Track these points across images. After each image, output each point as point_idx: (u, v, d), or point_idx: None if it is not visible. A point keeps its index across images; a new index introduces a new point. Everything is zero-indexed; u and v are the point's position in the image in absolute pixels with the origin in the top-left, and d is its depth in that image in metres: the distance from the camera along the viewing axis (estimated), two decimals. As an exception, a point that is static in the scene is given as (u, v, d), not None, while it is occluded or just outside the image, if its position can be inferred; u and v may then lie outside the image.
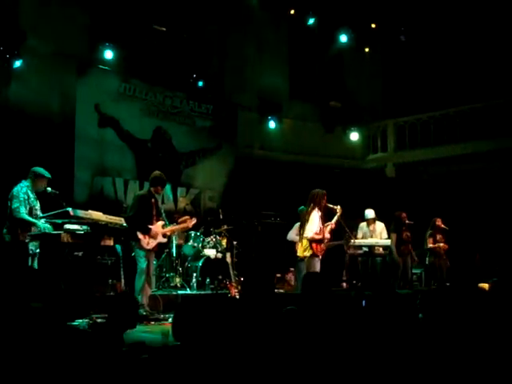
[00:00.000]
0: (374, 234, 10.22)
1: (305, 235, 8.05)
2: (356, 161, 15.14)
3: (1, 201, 7.36)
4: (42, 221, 6.99)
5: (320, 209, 8.09)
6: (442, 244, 10.38)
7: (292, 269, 10.27)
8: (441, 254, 10.46)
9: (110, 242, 7.26)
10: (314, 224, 8.05)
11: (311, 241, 8.02)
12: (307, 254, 8.04)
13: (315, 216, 8.06)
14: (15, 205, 6.87)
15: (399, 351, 2.94)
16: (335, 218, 8.29)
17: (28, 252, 6.79)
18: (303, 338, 3.03)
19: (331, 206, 8.23)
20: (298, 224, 8.48)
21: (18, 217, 6.83)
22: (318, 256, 8.03)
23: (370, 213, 10.29)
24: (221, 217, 10.48)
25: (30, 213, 6.99)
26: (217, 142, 12.86)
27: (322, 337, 3.11)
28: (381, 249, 9.99)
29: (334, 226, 8.30)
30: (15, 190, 6.98)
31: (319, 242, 8.08)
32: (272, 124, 13.66)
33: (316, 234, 8.05)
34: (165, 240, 7.79)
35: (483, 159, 12.96)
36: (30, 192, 7.05)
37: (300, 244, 8.18)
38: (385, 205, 11.37)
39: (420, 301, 3.85)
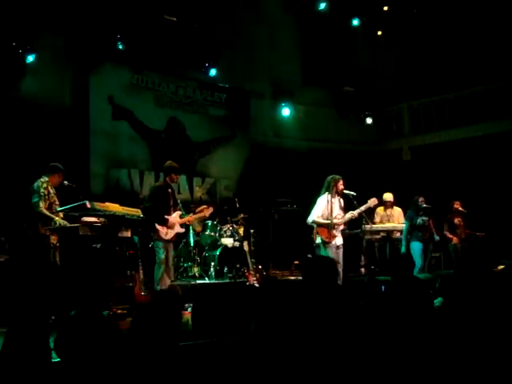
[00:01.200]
0: (392, 219, 10.11)
1: (308, 219, 8.03)
2: (371, 145, 14.77)
3: (19, 195, 7.45)
4: (61, 215, 7.04)
5: (333, 194, 7.92)
6: (454, 237, 10.34)
7: (310, 256, 9.87)
8: (458, 238, 10.44)
9: (128, 234, 7.25)
10: (318, 208, 7.93)
11: (317, 225, 7.92)
12: (318, 240, 7.98)
13: (322, 200, 7.92)
14: (35, 199, 6.93)
15: (417, 337, 2.97)
16: (363, 207, 8.09)
17: (50, 245, 6.85)
18: (309, 326, 3.08)
19: (347, 192, 8.04)
20: None
21: (36, 211, 6.88)
22: (327, 242, 7.84)
23: (388, 197, 10.15)
24: (237, 205, 10.41)
25: (50, 208, 7.03)
26: (231, 131, 12.72)
27: (331, 324, 3.15)
28: (398, 233, 9.85)
29: (355, 215, 8.08)
30: (35, 184, 7.03)
31: (324, 226, 7.87)
32: (285, 111, 13.37)
33: (319, 217, 7.90)
34: (182, 230, 7.80)
35: (499, 140, 12.61)
36: (49, 187, 7.10)
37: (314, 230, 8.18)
38: (401, 188, 11.18)
39: (440, 285, 3.84)
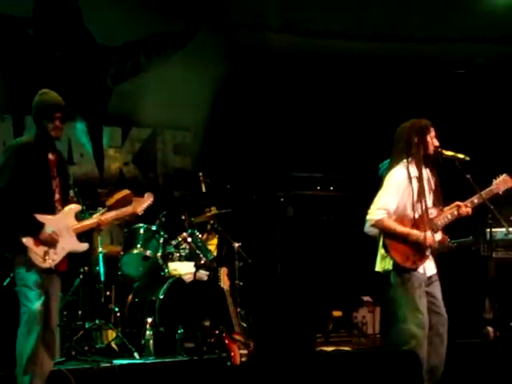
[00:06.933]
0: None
1: (367, 217, 5.47)
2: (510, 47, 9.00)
3: None
4: None
5: (419, 161, 5.00)
6: None
7: (367, 298, 7.86)
8: None
9: None
10: (389, 193, 5.00)
11: (385, 234, 4.91)
12: (387, 265, 4.92)
13: (396, 177, 5.00)
14: None
15: None
16: (485, 191, 5.02)
17: None
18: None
19: (451, 154, 4.95)
20: None
21: None
22: (408, 268, 4.82)
23: None
24: (203, 189, 7.44)
25: None
26: (186, 21, 8.48)
27: None
28: None
29: (469, 209, 4.96)
30: None
31: (401, 236, 4.80)
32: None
33: (391, 213, 4.89)
34: (83, 247, 4.94)
35: None
36: None
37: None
38: None
39: None
